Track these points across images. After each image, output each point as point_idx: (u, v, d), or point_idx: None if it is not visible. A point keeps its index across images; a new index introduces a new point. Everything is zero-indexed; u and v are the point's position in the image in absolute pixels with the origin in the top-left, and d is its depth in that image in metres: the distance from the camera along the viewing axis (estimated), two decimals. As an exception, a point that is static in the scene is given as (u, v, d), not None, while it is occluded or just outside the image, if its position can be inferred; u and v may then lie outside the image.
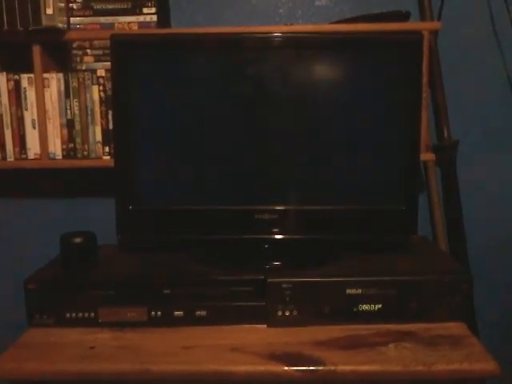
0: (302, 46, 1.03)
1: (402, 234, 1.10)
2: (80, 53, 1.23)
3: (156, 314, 0.97)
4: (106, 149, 1.19)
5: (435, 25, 1.21)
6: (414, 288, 0.97)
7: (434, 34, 1.24)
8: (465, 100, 1.31)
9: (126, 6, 1.18)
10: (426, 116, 1.13)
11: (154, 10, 1.18)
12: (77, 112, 1.18)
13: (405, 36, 1.04)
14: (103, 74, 1.17)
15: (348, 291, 0.96)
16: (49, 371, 0.87)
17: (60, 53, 1.23)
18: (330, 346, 0.90)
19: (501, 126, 1.33)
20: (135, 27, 1.18)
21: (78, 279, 1.00)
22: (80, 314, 0.97)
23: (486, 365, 0.84)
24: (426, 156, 1.20)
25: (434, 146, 1.29)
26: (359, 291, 0.96)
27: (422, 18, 1.27)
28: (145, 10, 1.18)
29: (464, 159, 1.31)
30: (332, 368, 0.84)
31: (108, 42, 1.04)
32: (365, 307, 0.96)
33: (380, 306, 0.96)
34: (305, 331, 0.95)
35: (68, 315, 0.98)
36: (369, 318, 0.96)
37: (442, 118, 1.29)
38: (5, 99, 1.18)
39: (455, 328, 0.95)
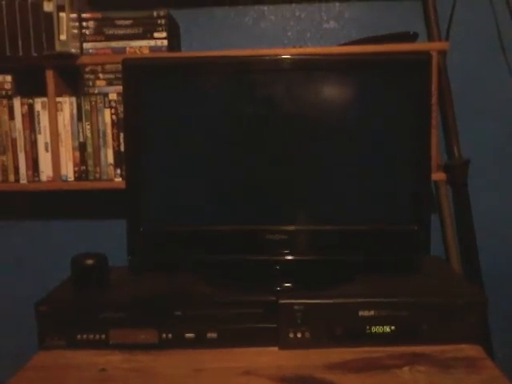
0: (310, 68, 1.04)
1: (415, 255, 1.09)
2: (92, 77, 1.25)
3: (167, 336, 0.97)
4: (118, 171, 1.20)
5: (443, 45, 1.21)
6: (427, 309, 0.95)
7: (443, 53, 1.25)
8: (475, 118, 1.31)
9: (137, 31, 1.21)
10: (435, 135, 1.13)
11: (164, 34, 1.20)
12: (89, 135, 1.20)
13: (413, 57, 1.05)
14: (115, 98, 1.19)
15: (361, 313, 0.95)
16: (59, 394, 0.86)
17: (73, 77, 1.25)
18: (343, 368, 0.89)
19: (512, 143, 1.32)
20: (146, 51, 1.20)
21: (89, 301, 1.00)
22: (91, 336, 0.97)
23: (503, 388, 0.82)
24: (437, 175, 1.19)
25: (445, 165, 1.29)
26: (372, 313, 0.95)
27: (430, 39, 1.28)
28: (156, 35, 1.20)
29: (476, 178, 1.30)
30: (345, 391, 0.83)
31: (120, 66, 1.06)
32: (378, 329, 0.95)
33: (393, 327, 0.95)
34: (317, 353, 0.94)
35: (79, 337, 0.97)
36: (382, 340, 0.95)
37: (453, 136, 1.29)
38: (19, 123, 1.20)
39: (470, 350, 0.93)
